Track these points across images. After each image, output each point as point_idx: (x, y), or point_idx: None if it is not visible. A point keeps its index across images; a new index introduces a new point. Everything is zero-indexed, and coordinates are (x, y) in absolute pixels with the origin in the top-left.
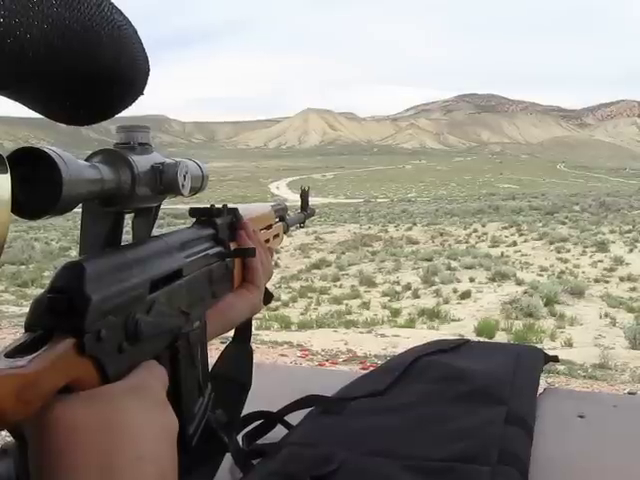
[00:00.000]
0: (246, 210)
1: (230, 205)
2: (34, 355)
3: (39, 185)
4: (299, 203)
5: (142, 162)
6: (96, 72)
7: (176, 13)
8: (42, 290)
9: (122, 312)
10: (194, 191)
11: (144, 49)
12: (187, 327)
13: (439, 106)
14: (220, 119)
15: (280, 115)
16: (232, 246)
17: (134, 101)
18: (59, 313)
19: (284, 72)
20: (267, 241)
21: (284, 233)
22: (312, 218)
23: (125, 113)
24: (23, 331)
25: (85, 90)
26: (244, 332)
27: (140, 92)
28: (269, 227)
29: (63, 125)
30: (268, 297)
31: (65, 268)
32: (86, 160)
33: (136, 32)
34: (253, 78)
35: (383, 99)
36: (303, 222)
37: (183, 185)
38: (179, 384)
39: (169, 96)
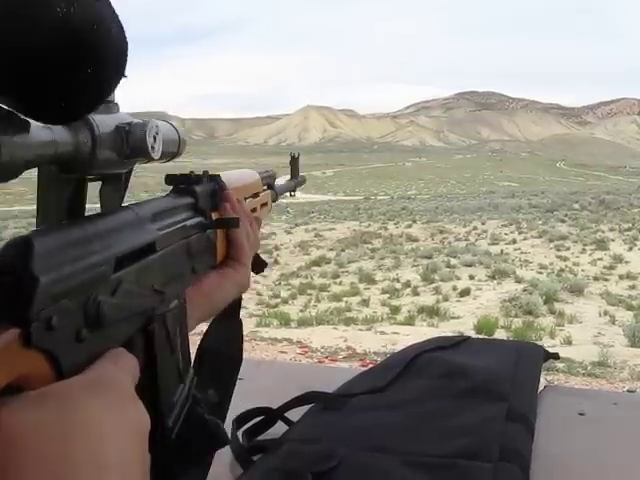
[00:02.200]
0: (230, 177)
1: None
2: None
3: None
4: (301, 201)
5: (105, 122)
6: (62, 44)
7: (178, 10)
8: None
9: (80, 294)
10: (169, 156)
11: (120, 23)
12: (162, 308)
13: (439, 104)
14: (220, 116)
15: (280, 112)
16: (214, 216)
17: (115, 84)
18: (0, 298)
19: (284, 69)
20: (254, 210)
21: (273, 201)
22: (312, 215)
23: (123, 109)
24: None
25: (53, 73)
26: (233, 307)
27: (120, 74)
28: (256, 195)
29: None
30: (260, 265)
31: (9, 245)
32: None
33: (110, 4)
34: (253, 75)
35: (383, 96)
36: (293, 190)
37: (153, 147)
38: (155, 372)
39: (169, 92)
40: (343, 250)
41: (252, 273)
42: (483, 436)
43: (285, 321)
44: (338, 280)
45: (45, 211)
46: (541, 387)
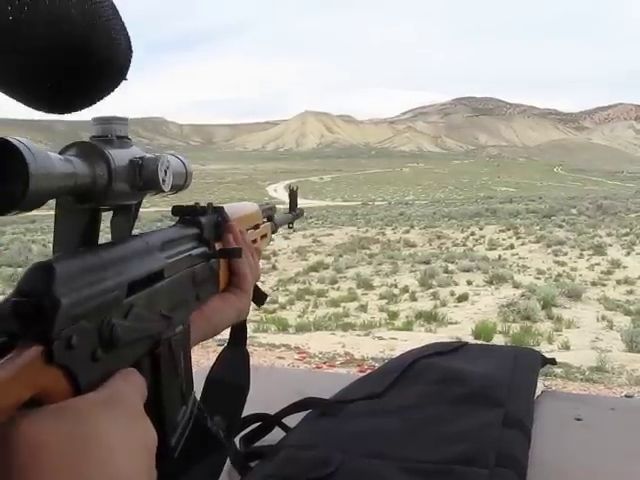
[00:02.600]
0: (232, 209)
1: (216, 204)
2: None
3: (4, 178)
4: (299, 207)
5: (120, 156)
6: (66, 49)
7: (177, 16)
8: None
9: (96, 317)
10: (177, 188)
11: (125, 28)
12: (169, 332)
13: (437, 109)
14: (218, 121)
15: (278, 118)
16: (217, 246)
17: (116, 85)
18: (25, 318)
19: (282, 75)
20: (254, 241)
21: (272, 233)
22: (310, 220)
23: (123, 114)
24: None
25: (58, 71)
26: (239, 335)
27: (122, 75)
28: (256, 227)
29: (60, 127)
30: (262, 298)
31: (33, 269)
32: (59, 153)
33: (114, 7)
34: (251, 81)
35: (381, 102)
36: (292, 223)
37: (164, 180)
38: (160, 393)
39: (167, 98)
40: (341, 256)
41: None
42: (480, 442)
43: (283, 327)
44: (336, 286)
45: (61, 239)
46: (538, 392)
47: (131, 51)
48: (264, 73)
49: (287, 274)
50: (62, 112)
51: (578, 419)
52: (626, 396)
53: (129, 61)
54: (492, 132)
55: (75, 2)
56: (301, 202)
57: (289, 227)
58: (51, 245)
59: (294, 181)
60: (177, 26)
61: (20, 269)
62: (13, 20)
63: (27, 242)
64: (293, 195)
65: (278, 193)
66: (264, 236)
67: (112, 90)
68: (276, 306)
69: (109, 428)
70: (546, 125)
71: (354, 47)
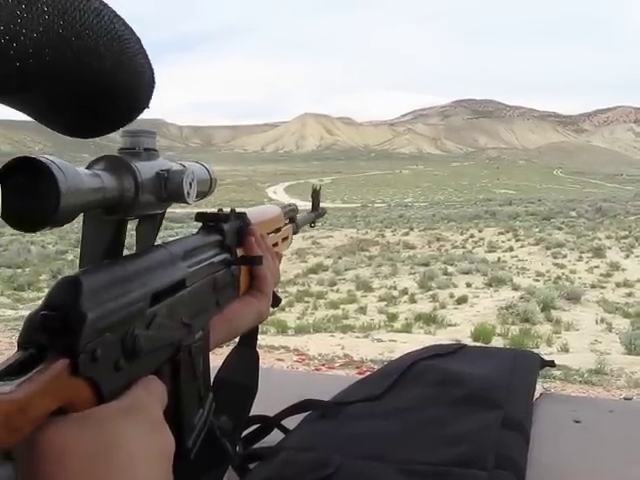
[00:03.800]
0: (254, 214)
1: (238, 209)
2: (24, 378)
3: (36, 196)
4: (299, 209)
5: (146, 169)
6: (94, 84)
7: (177, 17)
8: (38, 293)
9: (120, 328)
10: (201, 195)
11: (149, 62)
12: (189, 339)
13: (436, 111)
14: (217, 123)
15: (277, 120)
16: (239, 252)
17: (138, 114)
18: (53, 332)
19: (282, 77)
20: (275, 245)
21: (294, 234)
22: None
23: None
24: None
25: (85, 102)
26: (250, 337)
27: (144, 105)
28: (278, 230)
29: None
30: (277, 301)
31: (61, 283)
32: (87, 167)
33: (139, 42)
34: (251, 82)
35: (380, 104)
36: (314, 222)
37: (188, 193)
38: (179, 397)
39: (166, 100)
40: (340, 258)
41: None
42: (479, 444)
43: (282, 328)
44: (335, 288)
45: (88, 250)
46: (537, 395)
47: (154, 82)
48: (264, 75)
49: (286, 276)
50: (86, 137)
51: (577, 421)
52: (625, 398)
53: (152, 92)
54: (492, 134)
55: (105, 41)
56: (301, 204)
57: (311, 226)
58: (50, 246)
59: (294, 183)
60: (177, 27)
61: (19, 270)
62: (49, 62)
63: (26, 243)
64: (316, 194)
65: (278, 195)
66: (285, 239)
67: (135, 117)
68: (275, 308)
69: (129, 436)
70: (546, 127)
71: (354, 49)
